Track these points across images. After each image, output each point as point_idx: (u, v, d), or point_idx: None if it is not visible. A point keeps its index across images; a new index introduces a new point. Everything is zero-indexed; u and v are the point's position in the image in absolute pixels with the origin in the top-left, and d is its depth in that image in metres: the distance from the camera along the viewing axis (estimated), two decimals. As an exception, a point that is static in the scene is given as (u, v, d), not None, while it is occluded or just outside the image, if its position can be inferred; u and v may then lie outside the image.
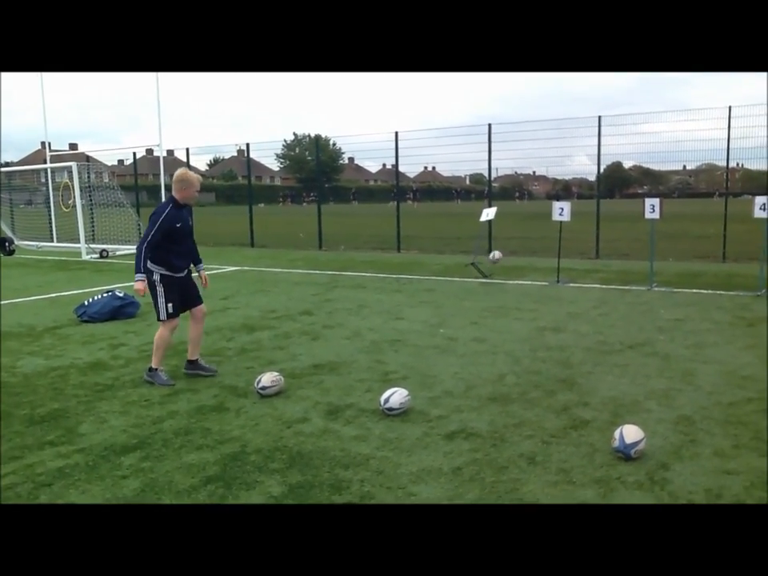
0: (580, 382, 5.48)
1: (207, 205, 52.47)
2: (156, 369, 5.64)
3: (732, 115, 13.92)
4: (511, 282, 11.65)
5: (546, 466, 3.85)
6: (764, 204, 9.48)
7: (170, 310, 5.60)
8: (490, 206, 17.40)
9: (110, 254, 18.25)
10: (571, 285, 10.98)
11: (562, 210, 11.30)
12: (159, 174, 21.86)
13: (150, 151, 45.82)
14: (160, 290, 5.57)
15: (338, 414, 4.83)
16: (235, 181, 72.00)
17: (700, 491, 3.50)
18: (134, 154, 23.84)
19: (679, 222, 21.87)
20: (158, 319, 5.67)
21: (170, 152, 48.18)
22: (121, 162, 46.56)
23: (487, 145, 16.58)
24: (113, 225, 20.08)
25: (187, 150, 22.14)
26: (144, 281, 5.48)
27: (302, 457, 4.06)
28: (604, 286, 10.82)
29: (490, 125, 16.43)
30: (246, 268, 14.57)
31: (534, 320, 8.06)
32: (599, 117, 15.19)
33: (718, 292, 9.96)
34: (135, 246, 18.19)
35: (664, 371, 5.74)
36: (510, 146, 17.71)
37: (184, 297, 5.75)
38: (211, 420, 4.76)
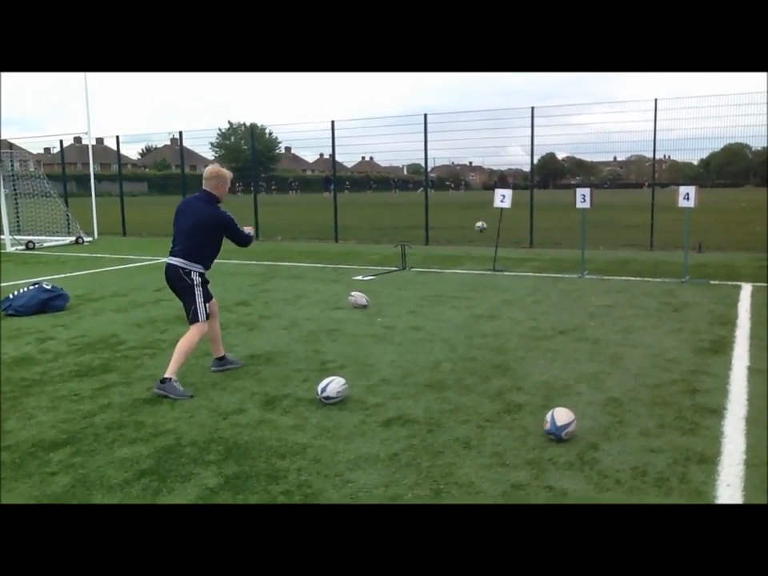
0: (514, 367, 5.60)
1: (139, 194, 51.16)
2: (170, 379, 5.00)
3: (658, 108, 14.40)
4: (448, 270, 11.78)
5: (481, 450, 3.93)
6: (687, 194, 9.86)
7: (208, 311, 5.28)
8: (427, 196, 17.55)
9: (37, 245, 17.61)
10: (507, 273, 11.18)
11: (503, 198, 11.48)
12: (88, 163, 21.20)
13: (78, 139, 44.36)
14: (198, 291, 5.19)
15: (275, 404, 4.80)
16: (168, 170, 70.38)
17: (627, 469, 3.63)
18: (61, 142, 23.04)
19: (610, 212, 22.53)
20: (195, 321, 5.17)
21: (100, 140, 46.74)
22: (47, 150, 44.79)
23: (424, 135, 16.68)
24: (39, 215, 19.37)
25: (117, 138, 21.50)
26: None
27: (238, 448, 4.03)
28: (537, 274, 11.07)
29: (425, 115, 16.53)
30: (180, 259, 14.26)
31: (470, 308, 8.19)
32: (532, 108, 15.46)
33: (646, 279, 10.32)
34: (64, 238, 17.36)
35: (594, 355, 5.92)
36: (446, 135, 17.92)
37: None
38: (145, 413, 4.67)
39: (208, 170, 5.27)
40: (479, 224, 12.81)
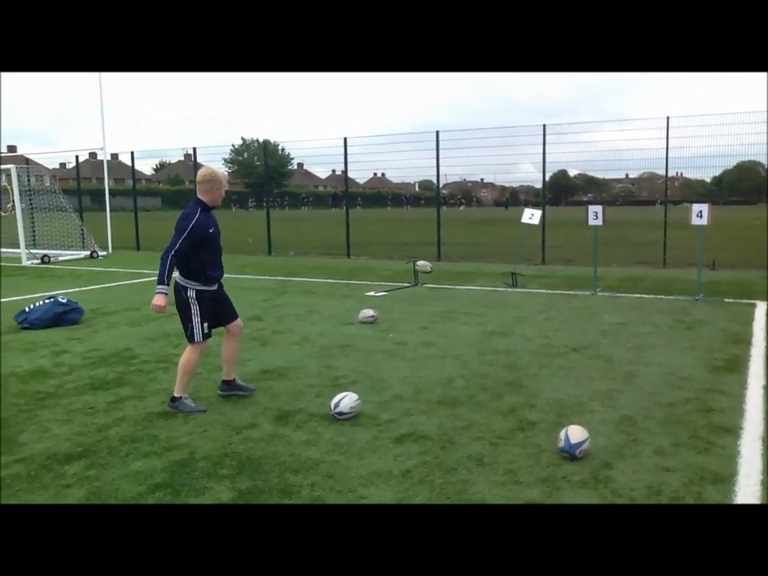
0: (526, 384, 5.59)
1: (153, 209, 51.55)
2: (180, 397, 4.98)
3: (670, 125, 14.40)
4: (460, 286, 11.78)
5: (494, 467, 3.92)
6: (700, 212, 9.83)
7: (206, 330, 4.97)
8: (439, 212, 17.60)
9: (52, 259, 17.76)
10: (518, 290, 11.17)
11: (532, 216, 11.53)
12: (103, 178, 21.41)
13: (93, 155, 44.73)
14: (195, 308, 4.91)
15: (288, 419, 4.81)
16: (182, 185, 70.97)
17: (641, 488, 3.61)
18: (77, 157, 23.29)
19: (622, 229, 22.49)
20: (191, 341, 4.97)
21: (114, 155, 47.20)
22: (62, 165, 45.43)
23: (435, 152, 16.74)
24: (55, 230, 19.56)
25: (132, 153, 21.72)
26: (166, 295, 4.81)
27: (251, 462, 4.04)
28: (550, 291, 11.05)
29: (437, 132, 16.60)
30: (193, 274, 14.35)
31: (482, 324, 8.18)
32: (544, 125, 15.51)
33: (659, 296, 10.27)
34: (78, 252, 17.29)
35: (607, 373, 5.90)
36: (458, 152, 17.92)
37: (219, 312, 5.10)
38: (158, 427, 4.69)
39: (200, 173, 4.97)
40: (424, 265, 11.65)
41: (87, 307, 9.11)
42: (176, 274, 4.99)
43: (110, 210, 20.76)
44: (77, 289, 12.02)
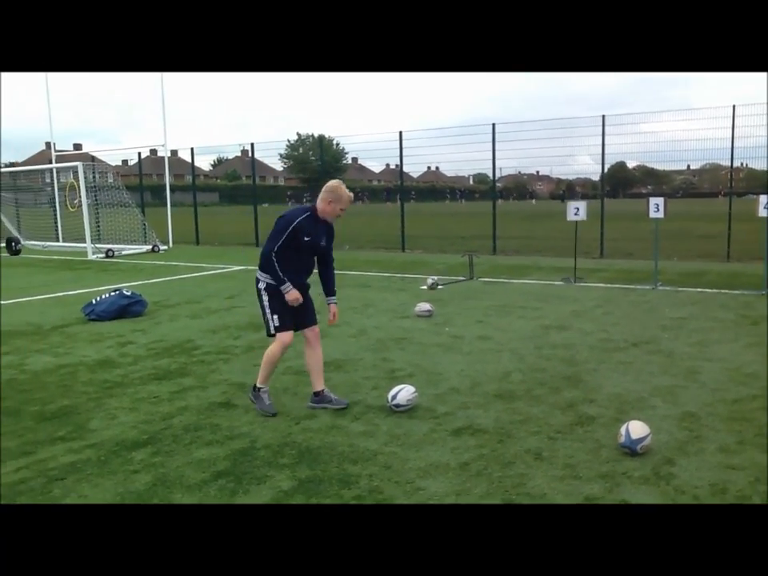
0: (585, 379, 5.52)
1: (211, 204, 52.57)
2: (261, 388, 4.92)
3: (735, 114, 13.94)
4: (515, 280, 11.68)
5: (553, 462, 3.90)
6: (767, 203, 9.50)
7: (277, 323, 4.79)
8: (494, 205, 17.44)
9: (116, 253, 18.33)
10: (576, 284, 11.00)
11: (577, 210, 11.27)
12: (164, 174, 21.96)
13: (153, 151, 45.96)
14: (265, 300, 4.83)
15: (346, 410, 4.87)
16: (239, 181, 72.18)
17: (705, 486, 3.54)
18: (139, 154, 23.99)
19: (683, 222, 21.89)
20: (267, 334, 4.94)
21: (174, 152, 48.31)
22: (125, 162, 46.64)
23: (491, 144, 16.60)
24: (118, 225, 20.21)
25: (192, 150, 22.22)
26: (293, 288, 4.76)
27: (310, 452, 4.11)
28: (608, 285, 10.85)
29: (494, 124, 16.47)
30: (250, 267, 14.58)
31: (539, 318, 8.10)
32: (603, 116, 15.22)
33: (722, 291, 9.98)
34: (141, 246, 17.74)
35: (668, 368, 5.78)
36: (513, 145, 17.74)
37: (295, 312, 4.88)
38: (220, 416, 4.82)
39: (328, 183, 4.88)
40: (430, 281, 10.94)
41: (150, 300, 9.37)
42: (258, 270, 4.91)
43: (171, 206, 21.28)
44: (140, 282, 12.38)
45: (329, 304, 5.05)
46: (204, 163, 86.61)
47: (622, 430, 3.98)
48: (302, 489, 3.60)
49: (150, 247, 19.33)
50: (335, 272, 5.09)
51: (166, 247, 19.93)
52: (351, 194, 4.86)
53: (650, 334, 7.14)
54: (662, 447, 4.05)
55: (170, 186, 22.51)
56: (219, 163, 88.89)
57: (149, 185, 32.91)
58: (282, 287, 4.73)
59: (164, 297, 10.30)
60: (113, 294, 8.68)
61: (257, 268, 4.90)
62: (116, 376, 5.88)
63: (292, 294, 4.74)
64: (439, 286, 10.73)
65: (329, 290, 5.07)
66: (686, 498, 3.40)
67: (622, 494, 3.46)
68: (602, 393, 5.15)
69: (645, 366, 5.89)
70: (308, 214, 4.79)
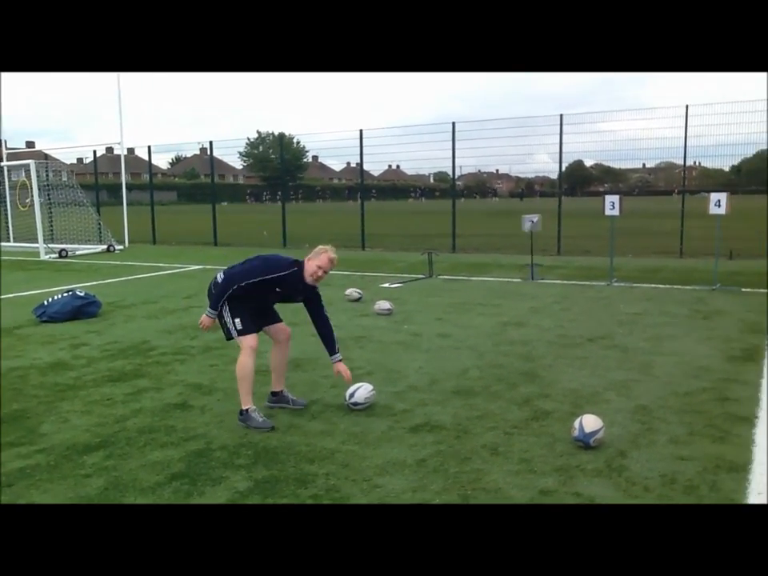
0: (542, 374, 5.59)
1: (169, 203, 51.86)
2: (246, 410, 4.56)
3: (688, 114, 14.26)
4: (475, 278, 11.77)
5: (508, 456, 3.93)
6: (718, 201, 9.75)
7: (239, 326, 4.53)
8: (454, 204, 17.54)
9: (70, 253, 17.93)
10: (534, 281, 11.13)
11: (532, 222, 11.38)
12: (120, 173, 21.58)
13: (110, 149, 45.09)
14: (225, 306, 4.59)
15: (304, 409, 4.85)
16: (198, 179, 71.32)
17: (655, 477, 3.61)
18: (95, 152, 23.51)
19: (639, 219, 22.31)
20: (227, 338, 4.70)
21: (131, 150, 47.43)
22: (80, 160, 45.64)
23: (451, 143, 16.70)
24: (72, 224, 19.77)
25: (149, 148, 21.88)
26: (213, 319, 4.62)
27: (267, 452, 4.08)
28: (566, 282, 11.01)
29: (453, 123, 16.57)
30: (209, 267, 14.44)
31: (497, 315, 8.18)
32: (561, 115, 15.43)
33: (676, 286, 10.21)
34: (95, 246, 17.26)
35: (623, 363, 5.88)
36: (474, 144, 17.88)
37: (260, 316, 4.74)
38: (176, 418, 4.75)
39: (321, 245, 4.75)
40: (351, 293, 9.72)
41: (105, 300, 9.20)
42: (221, 272, 4.74)
43: (127, 204, 20.93)
44: (94, 282, 12.14)
45: (334, 363, 4.81)
46: (162, 161, 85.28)
47: (576, 423, 4.04)
48: (258, 489, 3.57)
49: (106, 247, 18.98)
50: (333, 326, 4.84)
51: (121, 247, 19.59)
52: (335, 257, 4.65)
53: (606, 329, 7.26)
54: (615, 440, 4.13)
55: (127, 184, 22.14)
56: (177, 161, 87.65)
57: (105, 183, 32.30)
58: (208, 311, 4.59)
59: (119, 297, 10.12)
60: (66, 294, 8.49)
61: (217, 273, 4.78)
62: (69, 379, 5.76)
63: (206, 320, 4.62)
64: (361, 300, 9.48)
65: (329, 348, 4.82)
66: (637, 490, 3.46)
67: (576, 487, 3.51)
68: (557, 388, 5.22)
69: (600, 360, 5.98)
70: (294, 270, 4.58)
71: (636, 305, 8.71)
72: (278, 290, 4.61)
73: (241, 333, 4.56)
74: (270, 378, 5.03)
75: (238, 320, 4.57)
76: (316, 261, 4.61)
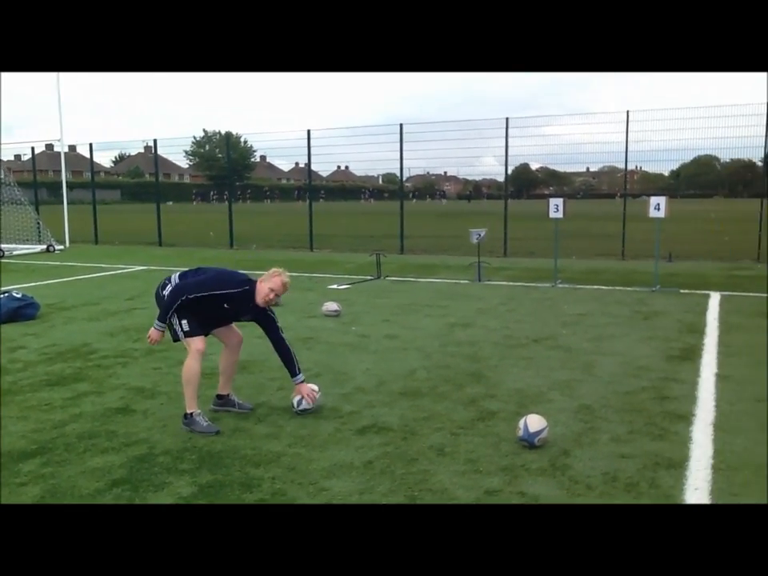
0: (488, 375, 5.65)
1: (112, 202, 50.66)
2: (191, 413, 4.45)
3: (630, 119, 14.64)
4: (423, 279, 11.83)
5: (455, 457, 3.96)
6: (657, 204, 10.03)
7: (186, 327, 4.42)
8: (402, 205, 17.60)
9: (6, 253, 17.33)
10: (481, 282, 11.25)
11: (479, 235, 11.38)
12: (60, 171, 20.98)
13: (49, 146, 43.82)
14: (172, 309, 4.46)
15: (250, 412, 4.79)
16: (142, 178, 69.88)
17: (597, 475, 3.68)
18: (33, 149, 22.81)
19: (582, 222, 22.79)
20: (174, 340, 4.55)
21: (72, 147, 46.19)
22: (18, 157, 44.24)
23: (399, 145, 16.75)
24: (9, 223, 19.10)
25: (90, 145, 21.33)
26: (162, 332, 4.49)
27: (212, 456, 4.01)
28: (512, 283, 11.17)
29: (401, 125, 16.62)
30: (153, 267, 14.16)
31: (445, 316, 8.24)
32: (506, 119, 15.64)
33: (617, 288, 10.46)
34: (34, 246, 16.69)
35: (566, 363, 5.99)
36: (422, 145, 18.01)
37: (209, 318, 4.58)
38: (117, 422, 4.63)
39: (275, 269, 4.66)
40: (331, 307, 8.56)
41: (44, 302, 8.92)
42: (176, 274, 4.65)
43: (68, 203, 20.34)
44: (33, 283, 11.76)
45: (296, 385, 4.71)
46: (105, 159, 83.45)
47: (520, 423, 4.09)
48: (203, 494, 3.51)
49: (45, 247, 18.41)
50: (290, 347, 4.74)
51: (62, 247, 19.03)
52: (288, 281, 4.60)
53: (550, 330, 7.39)
54: (559, 439, 4.20)
55: (68, 182, 21.52)
56: (121, 159, 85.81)
57: (44, 181, 31.38)
58: (157, 324, 4.45)
59: (59, 299, 9.82)
60: (1, 296, 8.19)
61: (171, 275, 4.67)
62: (4, 383, 5.55)
63: (155, 334, 4.46)
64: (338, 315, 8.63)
65: (290, 370, 4.72)
66: (580, 488, 3.53)
67: (521, 487, 3.55)
68: (503, 388, 5.28)
69: (544, 361, 6.08)
70: (246, 289, 4.51)
71: (579, 306, 8.89)
72: (225, 306, 4.52)
73: (188, 334, 4.46)
74: (216, 380, 4.94)
75: (184, 321, 4.46)
76: (269, 284, 4.53)
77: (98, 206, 21.99)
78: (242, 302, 4.53)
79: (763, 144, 13.92)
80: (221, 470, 3.82)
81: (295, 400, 4.74)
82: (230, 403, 4.87)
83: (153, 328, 4.49)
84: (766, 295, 9.41)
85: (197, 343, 4.47)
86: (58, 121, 19.68)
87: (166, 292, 4.56)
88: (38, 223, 19.45)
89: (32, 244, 18.77)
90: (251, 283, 4.56)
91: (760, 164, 15.69)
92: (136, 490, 3.57)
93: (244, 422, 4.61)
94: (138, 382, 5.57)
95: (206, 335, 4.61)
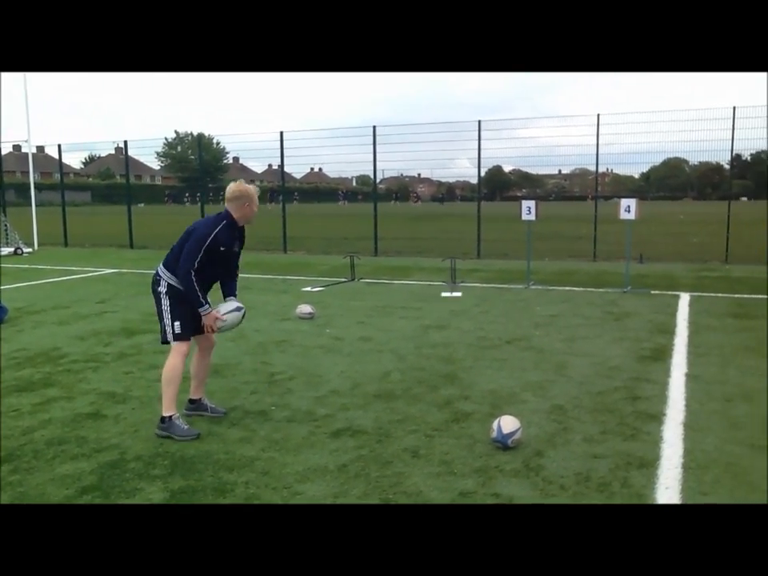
0: (461, 376, 5.67)
1: (82, 204, 49.92)
2: (170, 417, 4.38)
3: (601, 123, 14.82)
4: (397, 281, 11.84)
5: (429, 459, 3.96)
6: (628, 206, 10.15)
7: (178, 330, 4.40)
8: (376, 207, 17.60)
9: (-26, 256, 17.00)
10: (454, 284, 11.29)
11: (529, 210, 11.11)
12: (28, 172, 20.63)
13: (17, 147, 43.08)
14: (166, 303, 4.41)
15: (223, 417, 4.75)
16: (113, 179, 68.98)
17: (571, 475, 3.71)
18: None
19: (555, 224, 23.01)
20: (164, 341, 4.50)
21: (41, 148, 45.48)
22: (-15, 158, 43.46)
23: (372, 147, 16.76)
24: (-24, 225, 18.73)
25: (59, 146, 20.98)
26: (212, 311, 4.46)
27: (184, 462, 3.97)
28: (485, 285, 11.22)
29: (374, 127, 16.63)
30: (124, 270, 14.01)
31: (419, 318, 8.25)
32: (479, 121, 15.71)
33: (589, 289, 10.57)
34: (1, 249, 16.41)
35: (539, 364, 6.03)
36: (395, 147, 18.05)
37: (197, 318, 4.49)
38: (87, 428, 4.56)
39: (228, 189, 4.53)
40: (305, 310, 8.38)
41: (12, 306, 8.77)
42: (159, 265, 4.54)
43: (36, 205, 20.02)
44: (0, 287, 11.54)
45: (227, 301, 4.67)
46: (74, 161, 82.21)
47: (494, 425, 4.11)
48: (175, 500, 3.47)
49: (13, 249, 18.08)
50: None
51: (30, 250, 18.72)
52: (257, 189, 4.62)
53: (523, 331, 7.43)
54: (532, 440, 4.22)
55: (36, 184, 21.19)
56: (91, 161, 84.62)
57: (12, 182, 30.86)
58: (202, 309, 4.39)
59: (28, 302, 9.65)
60: (-32, 300, 8.04)
61: (157, 268, 4.54)
62: (-30, 389, 5.44)
63: (210, 318, 4.44)
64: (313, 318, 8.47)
65: (231, 290, 4.70)
66: (553, 488, 3.55)
67: (495, 488, 3.57)
68: (476, 389, 5.30)
69: (518, 362, 6.12)
70: (225, 222, 4.44)
71: (552, 307, 8.96)
72: (222, 249, 4.44)
73: (177, 337, 4.43)
74: (188, 384, 4.88)
75: (177, 323, 4.43)
76: (253, 203, 4.54)
77: (68, 207, 21.68)
78: (231, 233, 4.50)
79: (730, 147, 14.19)
80: (193, 475, 3.78)
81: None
82: (203, 407, 4.81)
83: (204, 317, 4.43)
84: (734, 296, 9.59)
85: (184, 347, 4.46)
86: (26, 121, 19.37)
87: (161, 288, 4.47)
88: (6, 225, 19.08)
89: (-1, 246, 18.43)
90: (224, 214, 4.50)
91: (727, 167, 15.98)
92: (107, 497, 3.52)
93: (217, 426, 4.57)
94: (109, 386, 5.49)
95: (194, 334, 4.57)
